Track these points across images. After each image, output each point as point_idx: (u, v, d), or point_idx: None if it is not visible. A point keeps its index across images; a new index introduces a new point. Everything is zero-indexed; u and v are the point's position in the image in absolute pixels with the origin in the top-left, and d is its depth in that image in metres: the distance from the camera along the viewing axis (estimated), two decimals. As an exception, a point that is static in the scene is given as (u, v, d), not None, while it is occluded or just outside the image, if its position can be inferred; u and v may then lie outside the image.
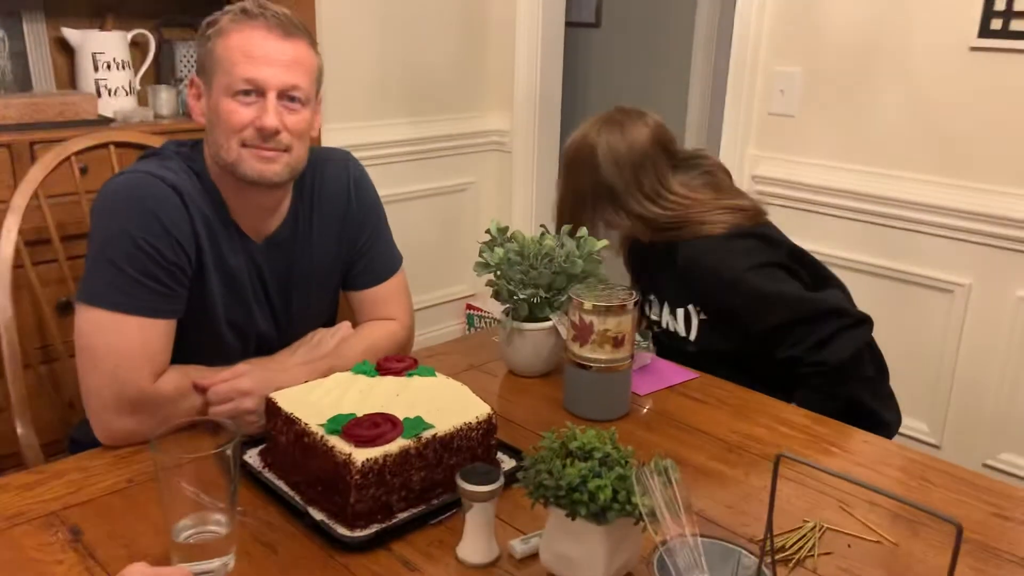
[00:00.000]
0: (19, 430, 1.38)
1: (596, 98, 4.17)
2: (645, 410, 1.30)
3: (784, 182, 2.42)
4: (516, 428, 1.22)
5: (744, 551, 0.79)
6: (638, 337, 1.34)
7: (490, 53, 3.12)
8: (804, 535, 0.97)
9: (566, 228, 1.41)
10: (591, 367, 1.23)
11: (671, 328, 1.58)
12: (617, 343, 1.22)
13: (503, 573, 0.91)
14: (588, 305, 1.21)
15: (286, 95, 1.16)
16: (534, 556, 0.92)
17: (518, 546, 0.93)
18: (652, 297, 1.63)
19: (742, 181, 2.50)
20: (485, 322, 3.25)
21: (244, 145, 1.16)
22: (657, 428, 1.25)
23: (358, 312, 1.43)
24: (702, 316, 1.54)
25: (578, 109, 4.18)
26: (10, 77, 2.01)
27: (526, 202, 3.16)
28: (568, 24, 3.15)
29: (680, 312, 1.56)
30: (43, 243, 1.58)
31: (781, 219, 2.38)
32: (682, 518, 0.78)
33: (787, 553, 0.93)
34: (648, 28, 3.89)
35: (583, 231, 1.39)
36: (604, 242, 1.38)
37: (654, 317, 1.62)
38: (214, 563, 0.89)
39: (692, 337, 1.54)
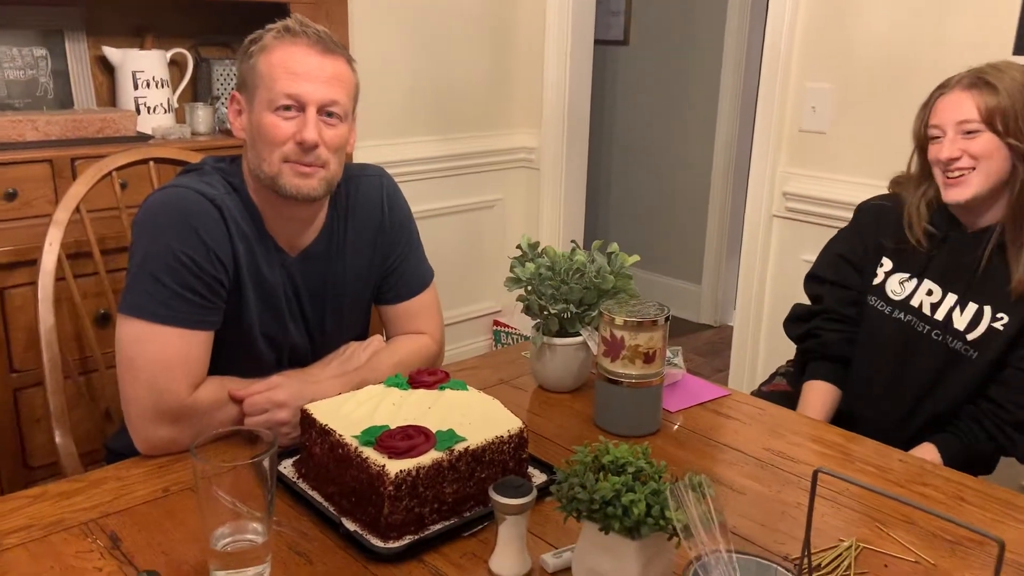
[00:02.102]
0: (58, 439, 1.40)
1: (624, 116, 4.18)
2: (676, 427, 1.29)
3: (815, 199, 2.40)
4: (546, 443, 1.22)
5: (780, 568, 0.78)
6: (669, 353, 1.34)
7: (519, 71, 3.15)
8: (840, 554, 0.96)
9: (597, 243, 1.41)
10: (622, 382, 1.23)
11: (936, 314, 1.47)
12: (648, 359, 1.22)
13: (535, 587, 0.91)
14: (619, 320, 1.21)
15: (325, 110, 1.19)
16: (566, 570, 0.92)
17: (550, 560, 0.93)
18: (927, 276, 1.50)
19: (772, 198, 2.50)
20: (512, 338, 3.26)
21: (285, 160, 1.18)
22: (688, 444, 1.24)
23: (389, 326, 1.45)
24: (998, 326, 1.43)
25: (605, 127, 4.20)
26: (52, 94, 2.06)
27: (554, 219, 3.17)
28: (596, 42, 3.17)
29: (972, 308, 1.45)
30: (84, 256, 1.62)
31: (812, 237, 2.38)
32: (716, 533, 0.78)
33: (823, 572, 0.92)
34: (677, 46, 3.90)
35: (614, 247, 1.40)
36: (635, 257, 1.38)
37: (904, 289, 1.51)
38: (250, 571, 0.90)
39: (970, 336, 1.45)
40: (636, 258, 1.38)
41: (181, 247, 1.16)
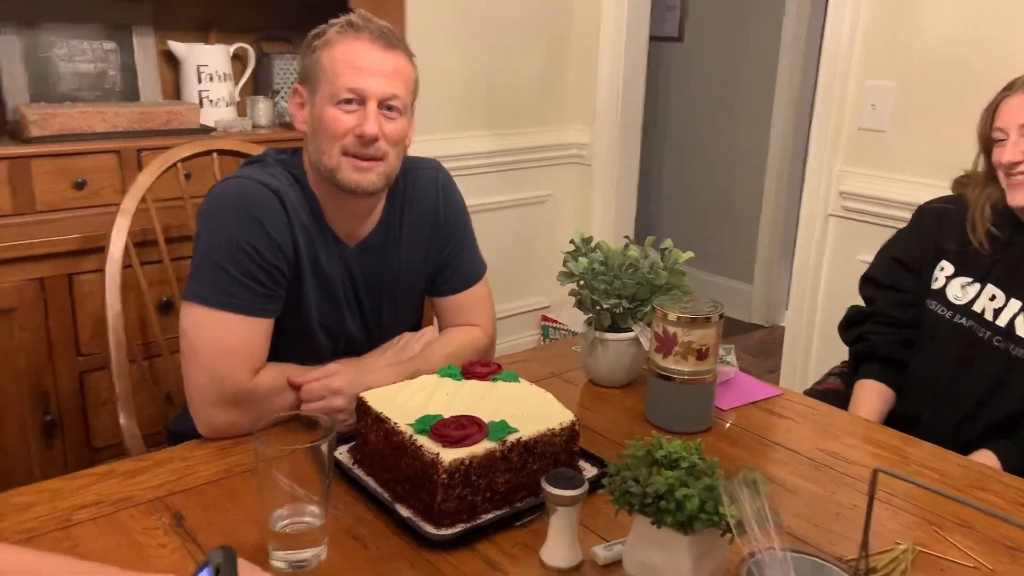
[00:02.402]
0: (122, 421, 1.46)
1: (677, 112, 4.15)
2: (728, 425, 1.29)
3: (873, 199, 2.36)
4: (597, 437, 1.23)
5: (837, 568, 0.77)
6: (721, 351, 1.33)
7: (572, 67, 3.15)
8: (896, 557, 0.95)
9: (650, 239, 1.41)
10: (674, 379, 1.23)
11: (998, 320, 1.44)
12: (701, 355, 1.22)
13: (586, 578, 0.92)
14: (672, 316, 1.21)
15: (385, 104, 1.21)
16: (617, 563, 0.92)
17: (601, 552, 0.93)
18: (990, 281, 1.47)
19: (829, 197, 2.45)
20: (561, 334, 3.26)
21: (345, 153, 1.21)
22: (741, 442, 1.23)
23: (442, 318, 1.47)
24: None
25: (659, 123, 4.17)
26: (119, 87, 2.13)
27: (605, 215, 3.16)
28: (651, 38, 3.15)
29: None
30: (148, 244, 1.67)
31: (868, 237, 2.33)
32: (770, 531, 0.78)
33: (879, 574, 0.91)
34: (732, 42, 3.85)
35: (668, 243, 1.39)
36: (689, 254, 1.38)
37: (967, 294, 1.48)
38: (308, 553, 0.92)
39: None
40: (690, 254, 1.38)
41: (244, 237, 1.19)
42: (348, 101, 1.20)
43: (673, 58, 4.09)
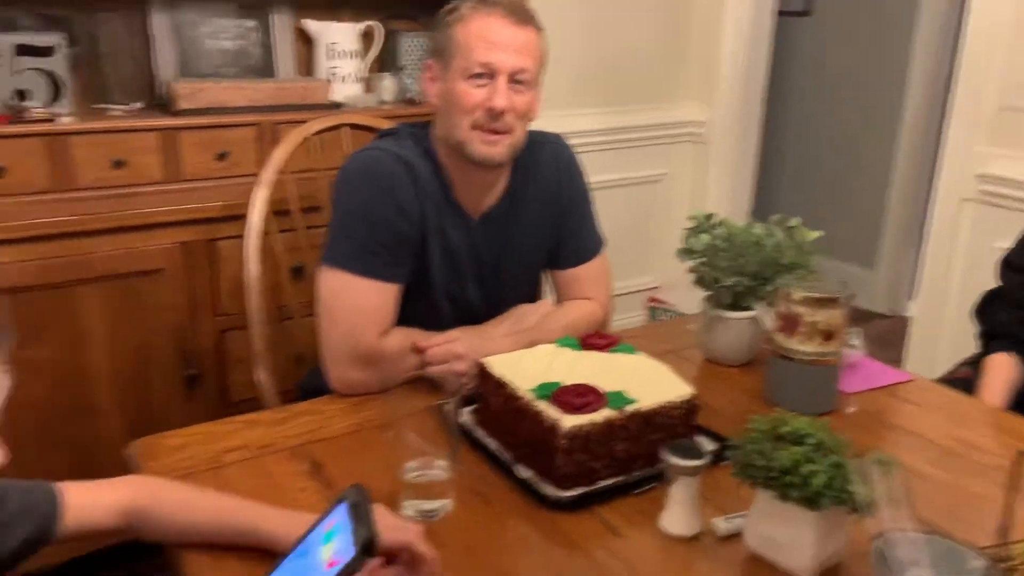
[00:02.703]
0: (259, 377, 1.56)
1: (802, 90, 4.00)
2: (852, 409, 1.26)
3: (1017, 182, 2.22)
4: (714, 414, 1.22)
5: (972, 552, 0.76)
6: (848, 334, 1.29)
7: (692, 42, 3.08)
8: (1033, 550, 0.91)
9: (776, 217, 1.38)
10: (797, 359, 1.21)
11: None
12: (827, 337, 1.19)
13: (705, 548, 0.93)
14: (797, 296, 1.19)
15: (514, 78, 1.24)
16: (736, 536, 0.93)
17: (721, 524, 0.94)
18: None
19: (966, 180, 2.32)
20: (668, 316, 3.23)
21: (474, 127, 1.24)
22: (866, 427, 1.21)
23: (560, 291, 1.49)
24: None
25: (780, 101, 4.03)
26: (258, 63, 2.25)
27: (720, 195, 3.10)
28: (778, 12, 3.04)
29: None
30: (281, 214, 1.76)
31: (1009, 222, 2.19)
32: (902, 512, 0.76)
33: (1015, 562, 0.88)
34: (863, 15, 3.67)
35: (795, 221, 1.37)
36: (817, 233, 1.35)
37: None
38: (435, 503, 0.97)
39: None
40: (818, 233, 1.35)
41: (376, 206, 1.25)
42: (479, 75, 1.23)
43: (800, 33, 3.94)
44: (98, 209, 1.75)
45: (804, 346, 1.20)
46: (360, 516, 0.74)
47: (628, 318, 3.30)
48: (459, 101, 1.24)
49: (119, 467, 1.02)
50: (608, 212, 3.04)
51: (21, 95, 1.76)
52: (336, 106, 2.16)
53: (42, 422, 1.75)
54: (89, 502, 0.87)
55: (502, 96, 1.22)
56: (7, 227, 1.62)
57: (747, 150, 3.09)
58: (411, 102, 2.28)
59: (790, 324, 1.20)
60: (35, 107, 1.75)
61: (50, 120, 1.74)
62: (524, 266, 1.44)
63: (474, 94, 1.23)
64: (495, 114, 1.23)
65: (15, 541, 0.81)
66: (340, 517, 0.75)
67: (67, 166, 1.76)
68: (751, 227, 1.34)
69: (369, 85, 2.32)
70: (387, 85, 2.28)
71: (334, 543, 0.74)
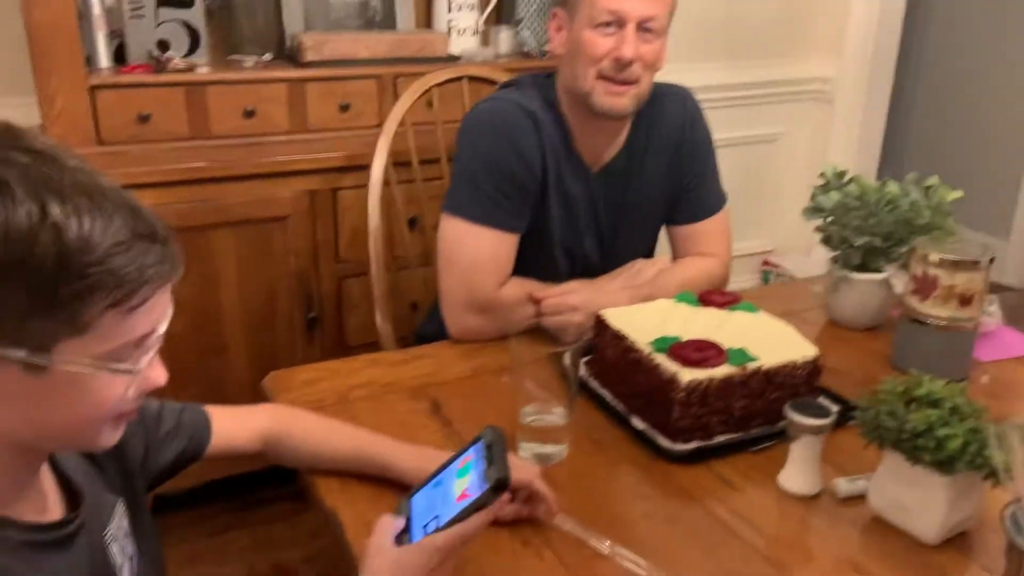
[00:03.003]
0: (379, 322, 1.62)
1: (937, 46, 3.75)
2: (986, 378, 1.20)
3: None
4: (837, 376, 1.19)
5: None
6: (987, 300, 1.23)
7: (821, -6, 2.94)
8: None
9: (912, 176, 1.32)
10: (930, 324, 1.16)
11: None
12: (964, 302, 1.14)
13: (824, 508, 0.91)
14: (935, 258, 1.14)
15: (643, 25, 1.21)
16: (859, 498, 0.91)
17: (843, 485, 0.92)
18: None
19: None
20: (782, 280, 3.14)
21: (600, 77, 1.23)
22: (1000, 397, 1.15)
23: (678, 247, 1.47)
24: None
25: (912, 58, 3.79)
26: (379, 16, 2.29)
27: (844, 156, 2.96)
28: (915, -38, 2.86)
29: None
30: (399, 166, 1.80)
31: None
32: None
33: None
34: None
35: (933, 180, 1.30)
36: (957, 193, 1.28)
37: None
38: (552, 448, 0.99)
39: None
40: (958, 193, 1.28)
41: (499, 155, 1.26)
42: (607, 24, 1.21)
43: (936, -15, 3.68)
44: (231, 157, 1.84)
45: (939, 310, 1.14)
46: (493, 456, 0.76)
47: (738, 282, 3.22)
48: (585, 50, 1.23)
49: (246, 402, 1.07)
50: (721, 172, 2.98)
51: (163, 46, 1.86)
52: (453, 59, 2.18)
53: (179, 357, 1.87)
54: (234, 425, 0.93)
55: (630, 45, 1.20)
56: (152, 171, 1.72)
57: (875, 110, 2.94)
58: (527, 55, 2.28)
59: (925, 287, 1.15)
60: (175, 58, 1.84)
61: (189, 70, 1.83)
62: (642, 220, 1.42)
63: (601, 43, 1.22)
64: (622, 64, 1.21)
65: (170, 456, 0.88)
66: (475, 454, 0.78)
67: (203, 115, 1.85)
68: (885, 185, 1.28)
69: (485, 38, 2.33)
70: (504, 38, 2.28)
71: (467, 478, 0.77)
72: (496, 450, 0.77)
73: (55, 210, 0.56)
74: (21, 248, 0.55)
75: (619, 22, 1.21)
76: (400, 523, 0.77)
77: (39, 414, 0.61)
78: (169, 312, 0.65)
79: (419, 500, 0.80)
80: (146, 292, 0.61)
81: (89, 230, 0.57)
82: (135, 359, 0.63)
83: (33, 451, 0.66)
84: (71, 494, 0.72)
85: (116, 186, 0.61)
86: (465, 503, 0.75)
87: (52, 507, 0.70)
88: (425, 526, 0.76)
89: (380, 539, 0.74)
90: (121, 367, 0.62)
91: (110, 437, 0.67)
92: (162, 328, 0.65)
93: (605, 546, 0.84)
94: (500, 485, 0.74)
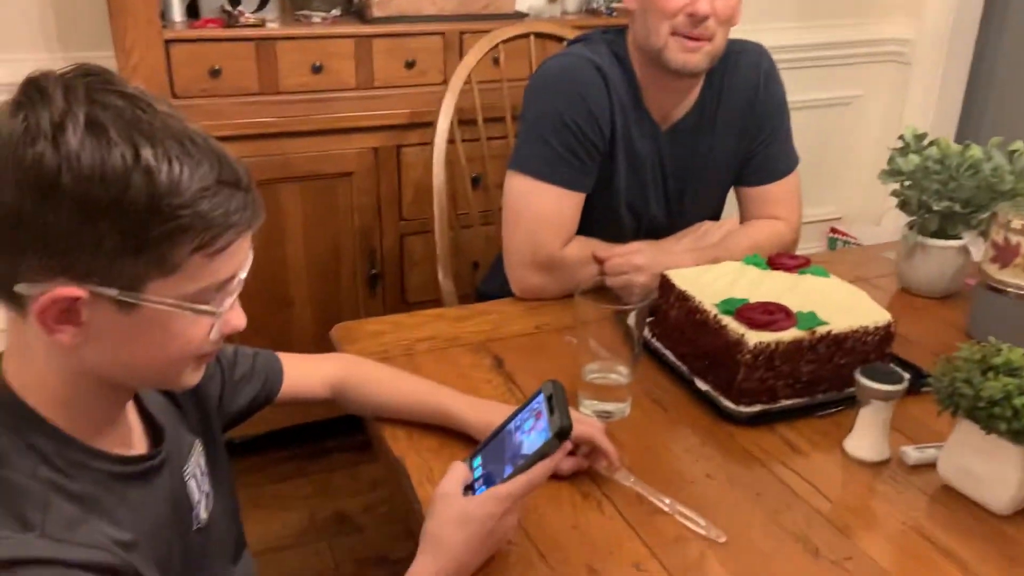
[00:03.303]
0: (441, 278, 1.63)
1: (1021, 8, 3.55)
2: (1067, 351, 1.15)
3: None
4: (909, 345, 1.16)
5: None
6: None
7: (902, -49, 2.81)
8: None
9: (995, 140, 1.26)
10: (1009, 292, 1.12)
11: None
12: (1047, 271, 1.09)
13: (892, 475, 0.90)
14: (1017, 224, 1.09)
15: None
16: (928, 466, 0.89)
17: (912, 452, 0.90)
18: None
19: None
20: (849, 247, 3.06)
21: (673, 33, 1.20)
22: (1082, 371, 1.10)
23: (746, 209, 1.44)
24: None
25: (995, 20, 3.61)
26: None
27: (920, 122, 2.84)
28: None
29: None
30: (463, 123, 1.80)
31: None
32: None
33: None
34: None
35: (1017, 144, 1.24)
36: (1045, 158, 1.22)
37: None
38: (613, 406, 1.00)
39: None
40: (1046, 159, 1.22)
41: (567, 111, 1.25)
42: None
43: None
44: (298, 112, 1.86)
45: (1019, 279, 1.10)
46: (554, 406, 0.77)
47: (803, 249, 3.14)
48: (658, 5, 1.20)
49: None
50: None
51: (234, 1, 1.88)
52: (520, 16, 2.15)
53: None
54: (304, 372, 0.96)
55: (704, 1, 1.17)
56: (222, 124, 1.75)
57: (956, 73, 2.82)
58: (594, 12, 2.24)
59: (1006, 254, 1.11)
60: (246, 12, 1.87)
61: (259, 25, 1.85)
62: (710, 180, 1.40)
63: None
64: (697, 19, 1.18)
65: (244, 399, 0.91)
66: (537, 407, 0.79)
67: (272, 70, 1.87)
68: (967, 149, 1.24)
69: (553, -5, 2.30)
70: (571, -5, 2.25)
71: (530, 430, 0.78)
72: (557, 401, 0.78)
73: (147, 153, 0.57)
74: (116, 189, 0.57)
75: None
76: (469, 474, 0.79)
77: (128, 351, 0.64)
78: (250, 259, 0.67)
79: (485, 454, 0.81)
80: (230, 236, 0.62)
81: (179, 174, 0.59)
82: (218, 302, 0.65)
83: (120, 387, 0.69)
84: (154, 431, 0.76)
85: (203, 132, 0.63)
86: (528, 453, 0.76)
87: (137, 442, 0.74)
88: (491, 478, 0.77)
89: (449, 487, 0.76)
90: (205, 308, 0.64)
91: (192, 377, 0.69)
92: (243, 273, 0.66)
93: (664, 503, 0.85)
94: (563, 433, 0.75)
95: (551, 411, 0.77)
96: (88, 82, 0.59)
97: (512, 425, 0.81)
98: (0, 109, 0.59)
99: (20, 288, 0.59)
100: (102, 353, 0.63)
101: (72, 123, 0.56)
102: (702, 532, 0.81)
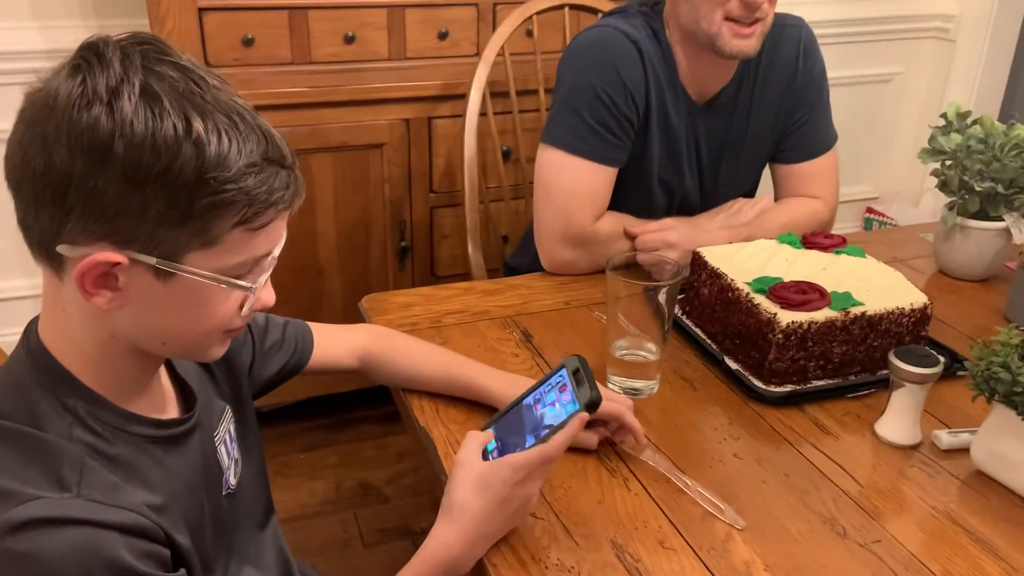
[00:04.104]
0: (470, 251, 1.63)
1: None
2: (1109, 338, 1.13)
3: None
4: (945, 328, 1.14)
5: None
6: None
7: (950, -77, 2.72)
8: None
9: (1044, 120, 1.23)
10: (1052, 277, 1.09)
11: None
12: (1092, 255, 1.06)
13: (923, 459, 0.89)
14: (1063, 207, 1.06)
15: None
16: (961, 451, 0.88)
17: (944, 437, 0.89)
18: None
19: None
20: (886, 228, 3.00)
21: (727, 18, 1.17)
22: (1125, 359, 1.08)
23: (782, 186, 1.42)
24: None
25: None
26: (479, -55, 2.24)
27: (964, 100, 2.77)
28: None
29: None
30: (498, 96, 1.79)
31: None
32: None
33: None
34: None
35: (1067, 125, 1.20)
36: (1094, 139, 1.18)
37: None
38: (641, 383, 0.99)
39: None
40: (1095, 140, 1.18)
41: (602, 84, 1.23)
42: None
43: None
44: (330, 83, 1.85)
45: (1063, 264, 1.08)
46: (581, 380, 0.77)
47: (838, 228, 3.09)
48: None
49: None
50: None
51: (268, -30, 1.87)
52: (554, -12, 2.12)
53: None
54: (334, 342, 0.96)
55: None
56: (254, 94, 1.75)
57: (1001, 52, 2.73)
58: (631, -15, 2.20)
59: (1049, 238, 1.08)
60: (280, -18, 1.86)
61: (293, -6, 1.84)
62: (747, 157, 1.37)
63: None
64: (754, 7, 1.15)
65: (275, 367, 0.91)
66: (562, 380, 0.79)
67: (305, 39, 1.87)
68: (1012, 128, 1.20)
69: (588, -34, 2.26)
70: (607, -34, 2.21)
71: (555, 402, 0.78)
72: (583, 375, 0.78)
73: (198, 125, 0.58)
74: (166, 158, 0.57)
75: None
76: (488, 437, 0.79)
77: (160, 319, 0.64)
78: (284, 237, 0.68)
79: (499, 427, 0.81)
80: (271, 214, 0.63)
81: (227, 149, 0.59)
82: (252, 277, 0.65)
83: (150, 355, 0.70)
84: (185, 396, 0.77)
85: (250, 108, 0.63)
86: (554, 424, 0.76)
87: (169, 406, 0.75)
88: (505, 450, 0.77)
89: (467, 454, 0.76)
90: (240, 283, 0.64)
91: (218, 350, 0.70)
92: (277, 251, 0.67)
93: (687, 485, 0.84)
94: (592, 404, 0.75)
95: (578, 384, 0.77)
96: (144, 50, 0.59)
97: (531, 399, 0.81)
98: (56, 70, 0.59)
99: (62, 249, 0.60)
100: (135, 319, 0.64)
101: (128, 90, 0.57)
102: (723, 518, 0.81)
